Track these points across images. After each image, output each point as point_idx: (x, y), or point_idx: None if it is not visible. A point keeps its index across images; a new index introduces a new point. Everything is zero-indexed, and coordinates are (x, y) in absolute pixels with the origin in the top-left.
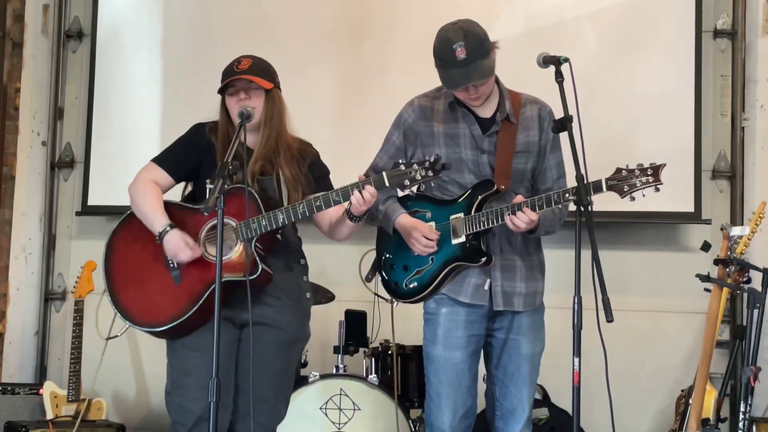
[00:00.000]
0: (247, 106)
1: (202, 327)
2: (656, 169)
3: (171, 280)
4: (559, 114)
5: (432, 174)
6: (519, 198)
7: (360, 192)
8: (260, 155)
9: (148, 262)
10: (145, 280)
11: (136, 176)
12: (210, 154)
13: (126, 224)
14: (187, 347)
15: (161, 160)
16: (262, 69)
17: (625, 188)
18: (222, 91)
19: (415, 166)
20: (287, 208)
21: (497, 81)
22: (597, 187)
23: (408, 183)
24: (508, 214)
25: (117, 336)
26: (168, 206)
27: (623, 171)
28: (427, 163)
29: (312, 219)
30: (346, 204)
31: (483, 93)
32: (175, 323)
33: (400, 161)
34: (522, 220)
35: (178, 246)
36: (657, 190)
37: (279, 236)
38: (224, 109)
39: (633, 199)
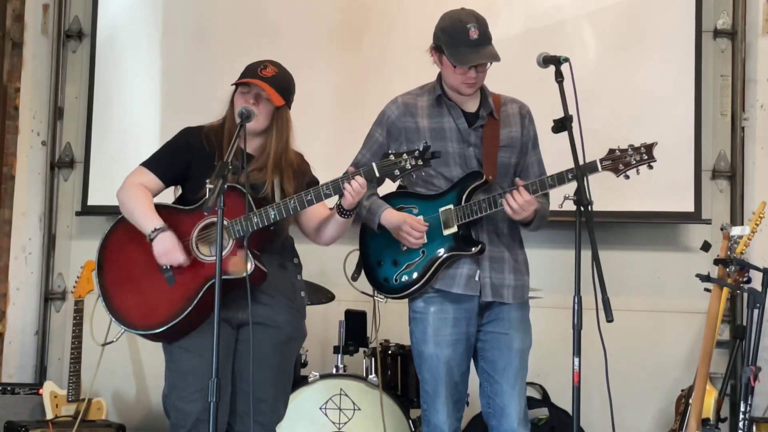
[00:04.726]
0: (249, 106)
1: (198, 329)
2: (649, 148)
3: (164, 282)
4: (555, 114)
5: (422, 163)
6: (519, 181)
7: (349, 183)
8: (257, 165)
9: (141, 265)
10: (139, 283)
11: (125, 180)
12: (199, 156)
13: (116, 230)
14: (183, 349)
15: (151, 164)
16: (281, 82)
17: (620, 167)
18: (236, 85)
19: (405, 156)
20: (278, 203)
21: None
22: (592, 168)
23: (398, 173)
24: (502, 198)
25: (113, 342)
26: (158, 209)
27: (616, 150)
28: (417, 152)
29: (298, 223)
30: (330, 203)
31: (480, 80)
32: (171, 324)
33: (390, 151)
34: (517, 201)
35: (172, 248)
36: (650, 167)
37: (272, 228)
38: (232, 103)
39: (628, 177)
